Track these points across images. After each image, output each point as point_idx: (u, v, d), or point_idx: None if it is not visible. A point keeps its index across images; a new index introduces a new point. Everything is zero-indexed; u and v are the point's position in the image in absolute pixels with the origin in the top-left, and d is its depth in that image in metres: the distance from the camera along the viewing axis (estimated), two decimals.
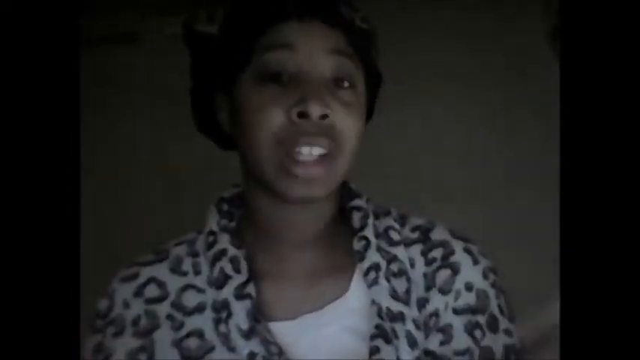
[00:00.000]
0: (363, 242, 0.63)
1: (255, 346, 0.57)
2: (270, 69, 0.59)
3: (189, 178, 1.60)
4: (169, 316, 0.61)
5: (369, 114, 0.69)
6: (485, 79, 1.61)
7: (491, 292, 0.63)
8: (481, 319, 0.61)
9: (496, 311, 0.62)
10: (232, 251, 0.62)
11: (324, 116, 0.57)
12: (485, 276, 0.63)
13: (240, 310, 0.59)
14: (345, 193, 0.68)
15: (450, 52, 1.65)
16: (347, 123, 0.59)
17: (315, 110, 0.56)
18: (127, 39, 1.75)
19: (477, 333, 0.60)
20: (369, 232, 0.64)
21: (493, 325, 0.61)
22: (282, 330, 0.60)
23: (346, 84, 0.60)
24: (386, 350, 0.57)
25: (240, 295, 0.60)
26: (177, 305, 0.61)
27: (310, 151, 0.57)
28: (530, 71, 1.58)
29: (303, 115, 0.56)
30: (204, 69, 0.66)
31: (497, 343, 0.60)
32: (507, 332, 0.62)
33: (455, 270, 0.63)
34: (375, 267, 0.62)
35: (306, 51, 0.59)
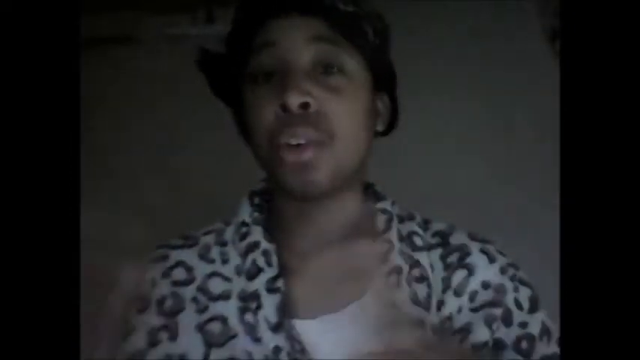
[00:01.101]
0: (387, 245, 0.63)
1: (281, 340, 0.58)
2: (258, 70, 0.61)
3: (190, 178, 1.60)
4: (194, 299, 0.61)
5: (394, 107, 0.69)
6: (486, 79, 1.61)
7: (509, 286, 0.63)
8: (497, 312, 0.61)
9: (512, 305, 0.62)
10: (265, 244, 0.63)
11: (305, 105, 0.57)
12: (503, 271, 0.64)
13: (270, 304, 0.59)
14: (370, 196, 0.68)
15: (450, 53, 1.65)
16: (337, 108, 0.59)
17: (293, 100, 0.57)
18: (127, 39, 1.75)
19: (494, 326, 0.61)
20: (392, 236, 0.64)
21: (507, 319, 0.61)
22: (303, 328, 0.60)
23: (334, 69, 0.60)
24: None
25: (271, 289, 0.60)
26: (202, 289, 0.62)
27: (296, 141, 0.58)
28: (530, 71, 1.58)
29: (284, 107, 0.57)
30: (222, 88, 0.68)
31: (509, 336, 0.61)
32: (522, 325, 0.62)
33: (470, 271, 0.63)
34: (397, 270, 0.62)
35: (286, 44, 0.60)
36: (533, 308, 0.63)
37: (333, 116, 0.59)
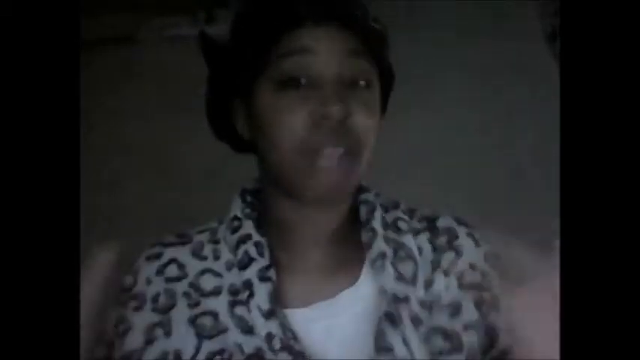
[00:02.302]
0: (370, 234, 0.65)
1: (273, 327, 0.59)
2: (290, 74, 0.59)
3: (190, 177, 1.61)
4: (185, 294, 0.63)
5: (381, 112, 0.70)
6: (486, 79, 1.62)
7: (494, 273, 0.65)
8: (486, 296, 0.64)
9: (498, 292, 0.64)
10: (257, 237, 0.64)
11: (346, 117, 0.58)
12: (487, 259, 0.66)
13: (262, 291, 0.61)
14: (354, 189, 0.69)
15: (450, 54, 1.65)
16: (367, 122, 0.60)
17: (337, 112, 0.57)
18: (127, 40, 1.76)
19: (484, 309, 0.63)
20: (376, 224, 0.66)
21: (496, 305, 0.63)
22: (296, 317, 0.62)
23: (363, 84, 0.61)
24: (391, 334, 0.59)
25: (262, 278, 0.62)
26: (194, 286, 0.64)
27: (334, 152, 0.58)
28: (530, 71, 1.58)
29: (325, 116, 0.58)
30: (219, 76, 0.67)
31: (499, 321, 0.63)
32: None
33: (459, 252, 0.66)
34: (382, 255, 0.63)
35: (325, 54, 0.60)
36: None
37: (362, 129, 0.60)
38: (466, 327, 0.62)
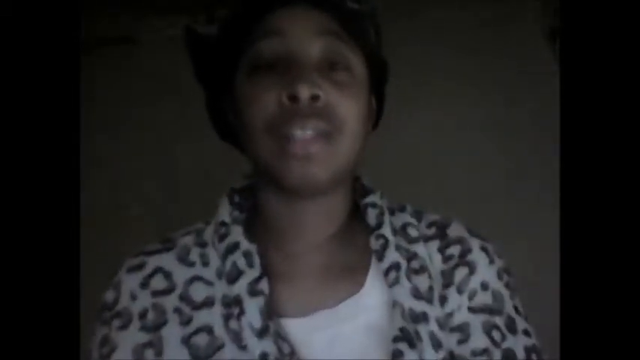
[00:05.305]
0: (381, 241, 0.62)
1: (267, 346, 0.55)
2: (261, 57, 0.59)
3: (190, 178, 1.60)
4: (177, 310, 0.58)
5: (379, 106, 0.68)
6: (486, 79, 1.61)
7: (506, 293, 0.61)
8: (499, 320, 0.59)
9: (512, 312, 0.60)
10: (245, 245, 0.60)
11: (315, 97, 0.56)
12: (499, 276, 0.62)
13: (253, 308, 0.56)
14: (358, 190, 0.66)
15: (451, 53, 1.65)
16: (342, 104, 0.58)
17: (303, 91, 0.55)
18: (127, 40, 1.75)
19: (496, 335, 0.58)
20: (386, 230, 0.62)
21: (511, 327, 0.59)
22: (295, 327, 0.58)
23: (339, 65, 0.59)
24: (409, 354, 0.55)
25: (253, 292, 0.57)
26: (185, 298, 0.59)
27: (303, 134, 0.56)
28: (530, 71, 1.58)
29: (292, 97, 0.56)
30: (208, 73, 0.66)
31: (517, 344, 0.58)
32: (526, 333, 0.60)
33: (472, 268, 0.61)
34: (396, 266, 0.60)
35: (295, 35, 0.59)
36: (526, 317, 0.62)
37: (339, 110, 0.58)
38: (474, 353, 0.57)
